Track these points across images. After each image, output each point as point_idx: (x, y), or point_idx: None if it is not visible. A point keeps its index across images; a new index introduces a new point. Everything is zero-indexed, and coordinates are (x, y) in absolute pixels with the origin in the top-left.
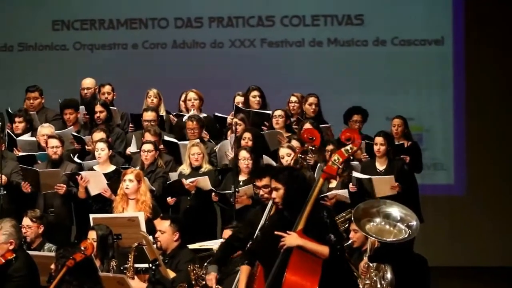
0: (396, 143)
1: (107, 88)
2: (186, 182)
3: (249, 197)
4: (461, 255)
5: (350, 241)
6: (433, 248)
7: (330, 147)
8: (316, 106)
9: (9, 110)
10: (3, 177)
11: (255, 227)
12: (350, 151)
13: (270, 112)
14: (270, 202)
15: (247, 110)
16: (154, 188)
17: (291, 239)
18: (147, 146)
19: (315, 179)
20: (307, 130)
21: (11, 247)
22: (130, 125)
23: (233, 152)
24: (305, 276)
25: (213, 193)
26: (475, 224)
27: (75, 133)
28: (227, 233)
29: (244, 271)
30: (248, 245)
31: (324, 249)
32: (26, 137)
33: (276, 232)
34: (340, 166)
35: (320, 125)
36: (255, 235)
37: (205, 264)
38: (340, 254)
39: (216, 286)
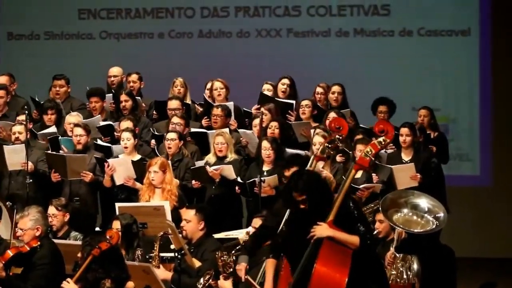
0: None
1: (133, 77)
2: (210, 169)
3: (273, 187)
4: (487, 246)
5: (375, 231)
6: (459, 239)
7: (359, 136)
8: (339, 94)
9: (36, 99)
10: (30, 164)
11: (283, 216)
12: (383, 143)
13: (293, 102)
14: None
15: (270, 98)
16: (188, 184)
17: (321, 229)
18: (170, 135)
19: (343, 170)
20: (335, 119)
21: (37, 233)
22: (154, 112)
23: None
24: (335, 267)
25: (236, 186)
26: (501, 215)
27: (102, 123)
28: (256, 221)
29: (270, 264)
30: (273, 239)
31: (354, 240)
32: (47, 130)
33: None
34: (373, 158)
35: (341, 110)
36: (280, 228)
37: (232, 252)
38: (370, 245)
39: (246, 277)
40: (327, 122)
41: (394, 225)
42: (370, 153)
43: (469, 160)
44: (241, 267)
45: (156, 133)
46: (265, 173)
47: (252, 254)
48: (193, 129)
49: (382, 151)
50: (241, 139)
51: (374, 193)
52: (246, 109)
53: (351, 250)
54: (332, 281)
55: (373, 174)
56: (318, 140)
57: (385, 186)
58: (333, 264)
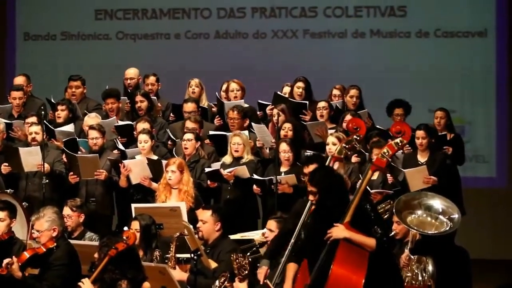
0: (439, 134)
1: (151, 79)
2: (224, 172)
3: (291, 185)
4: (503, 248)
5: (393, 233)
6: (475, 240)
7: (375, 139)
8: (357, 98)
9: (52, 100)
10: (46, 165)
11: (300, 217)
12: (400, 144)
13: (306, 102)
14: (308, 205)
15: (284, 98)
16: (203, 183)
17: (338, 231)
18: (187, 136)
19: (358, 171)
20: (353, 120)
21: (54, 234)
22: (171, 114)
23: (274, 141)
24: (351, 269)
25: (254, 185)
26: None
27: (118, 124)
28: (271, 223)
29: (291, 269)
30: (293, 243)
31: (371, 242)
32: (64, 128)
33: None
34: (390, 159)
35: (358, 112)
36: (298, 231)
37: (248, 254)
38: (387, 247)
39: (265, 281)
40: (344, 123)
41: (408, 227)
42: (387, 154)
43: (485, 161)
44: (262, 271)
45: (171, 136)
46: (282, 174)
47: (274, 258)
48: (211, 132)
49: (399, 152)
50: (257, 140)
51: (387, 194)
52: (262, 102)
53: (368, 252)
54: (349, 283)
55: (388, 175)
56: (331, 140)
57: (400, 187)
58: (350, 266)
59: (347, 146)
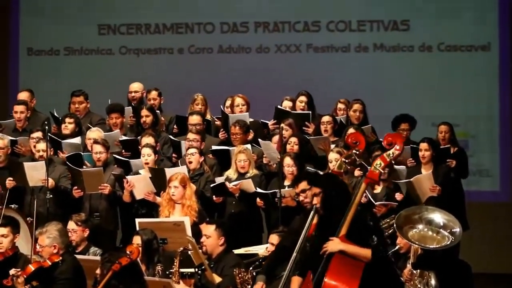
0: (442, 147)
1: (153, 94)
2: (230, 185)
3: (294, 199)
4: (506, 262)
5: (397, 247)
6: (479, 254)
7: (377, 152)
8: (360, 113)
9: (55, 114)
10: (51, 181)
11: (299, 235)
12: (392, 155)
13: (309, 112)
14: (312, 212)
15: (286, 112)
16: (206, 193)
17: (333, 244)
18: (190, 150)
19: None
20: (352, 135)
21: (54, 251)
22: (175, 127)
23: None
24: (344, 280)
25: (258, 199)
26: None
27: (123, 138)
28: (273, 238)
29: (295, 282)
30: (297, 256)
31: (366, 252)
32: (72, 140)
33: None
34: (383, 171)
35: (362, 127)
36: (301, 244)
37: (251, 268)
38: (383, 256)
39: None
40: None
41: (409, 241)
42: (379, 166)
43: (489, 176)
44: (258, 286)
45: (174, 138)
46: (286, 187)
47: (269, 274)
48: (214, 147)
49: (403, 167)
50: (264, 156)
51: (392, 208)
52: (263, 121)
53: (363, 263)
54: None
55: (397, 193)
56: (333, 156)
57: (405, 200)
58: (342, 278)
59: (347, 161)
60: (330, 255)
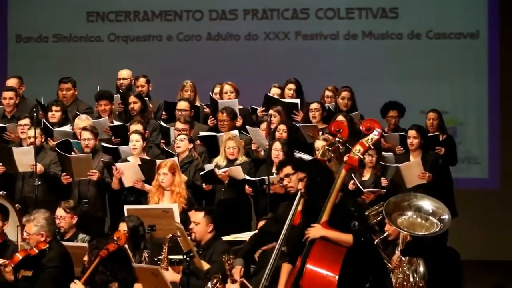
0: (431, 134)
1: (141, 81)
2: (219, 172)
3: (279, 183)
4: (495, 249)
5: (385, 234)
6: (467, 241)
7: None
8: (348, 100)
9: (41, 102)
10: (40, 166)
11: (284, 221)
12: (370, 141)
13: (297, 101)
14: (297, 197)
15: (275, 99)
16: (196, 182)
17: (315, 230)
18: (180, 137)
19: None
20: (334, 123)
21: (42, 239)
22: (163, 113)
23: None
24: (326, 265)
25: (246, 186)
26: (509, 218)
27: (112, 124)
28: (262, 224)
29: (285, 269)
30: (281, 244)
31: (347, 237)
32: (63, 128)
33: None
34: (362, 156)
35: (350, 113)
36: (286, 231)
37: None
38: (365, 241)
39: (241, 279)
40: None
41: (398, 228)
42: (358, 151)
43: (477, 163)
44: (236, 270)
45: (163, 124)
46: (274, 174)
47: (248, 257)
48: (202, 133)
49: (391, 154)
50: (252, 142)
51: (380, 195)
52: (253, 106)
53: (345, 248)
54: (323, 279)
55: (382, 178)
56: (319, 144)
57: (392, 186)
58: (324, 262)
59: (330, 148)
60: (312, 242)
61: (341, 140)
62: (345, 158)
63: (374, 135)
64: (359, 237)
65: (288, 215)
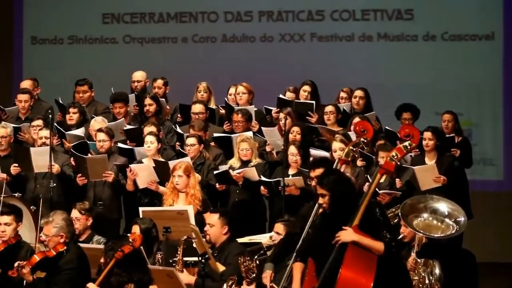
0: (447, 136)
1: (159, 83)
2: (233, 173)
3: (298, 188)
4: (510, 251)
5: (401, 236)
6: (482, 244)
7: (380, 142)
8: (361, 99)
9: (60, 101)
10: (56, 166)
11: (307, 222)
12: (408, 147)
13: (313, 102)
14: (315, 208)
15: (289, 101)
16: (210, 182)
17: (347, 234)
18: (190, 140)
19: (364, 174)
20: (360, 123)
21: (61, 240)
22: (179, 115)
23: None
24: (360, 272)
25: (261, 186)
26: None
27: (127, 128)
28: (278, 226)
29: (297, 268)
30: (300, 243)
31: (379, 246)
32: (75, 131)
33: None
34: (399, 163)
35: (365, 114)
36: (306, 232)
37: (255, 257)
38: (395, 251)
39: (271, 284)
40: (352, 127)
41: (414, 230)
42: (395, 157)
43: (493, 165)
44: (267, 275)
45: (179, 131)
46: (290, 177)
47: (278, 262)
48: (216, 134)
49: (407, 155)
50: (267, 144)
51: (395, 197)
52: (267, 107)
53: (376, 256)
54: (357, 286)
55: (396, 179)
56: (338, 146)
57: (406, 187)
58: (358, 269)
59: (354, 149)
60: (343, 245)
61: (366, 140)
62: (381, 162)
63: (413, 142)
64: (390, 247)
65: (311, 215)
